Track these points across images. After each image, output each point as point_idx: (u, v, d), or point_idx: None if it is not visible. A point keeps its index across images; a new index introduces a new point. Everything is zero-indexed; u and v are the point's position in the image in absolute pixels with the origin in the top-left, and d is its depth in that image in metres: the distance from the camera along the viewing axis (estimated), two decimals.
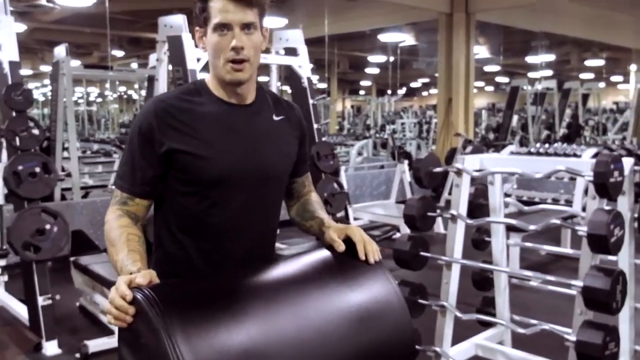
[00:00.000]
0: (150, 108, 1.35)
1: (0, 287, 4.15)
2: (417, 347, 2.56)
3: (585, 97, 11.66)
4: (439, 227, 6.08)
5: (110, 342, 3.29)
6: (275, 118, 1.45)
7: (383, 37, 10.82)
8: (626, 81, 15.55)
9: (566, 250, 4.45)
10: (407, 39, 11.28)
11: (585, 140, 11.11)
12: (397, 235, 5.92)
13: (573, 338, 2.22)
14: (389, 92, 14.32)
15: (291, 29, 4.96)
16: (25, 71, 3.57)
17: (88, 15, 8.53)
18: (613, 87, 17.53)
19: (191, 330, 1.02)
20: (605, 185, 2.18)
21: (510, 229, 3.38)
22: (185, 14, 3.91)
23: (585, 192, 5.58)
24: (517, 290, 3.51)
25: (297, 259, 1.31)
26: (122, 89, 13.84)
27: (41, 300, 3.31)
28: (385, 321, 1.25)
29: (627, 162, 2.38)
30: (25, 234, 3.23)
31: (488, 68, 13.93)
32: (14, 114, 3.43)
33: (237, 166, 1.35)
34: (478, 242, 3.14)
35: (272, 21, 7.86)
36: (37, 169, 3.33)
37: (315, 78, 4.89)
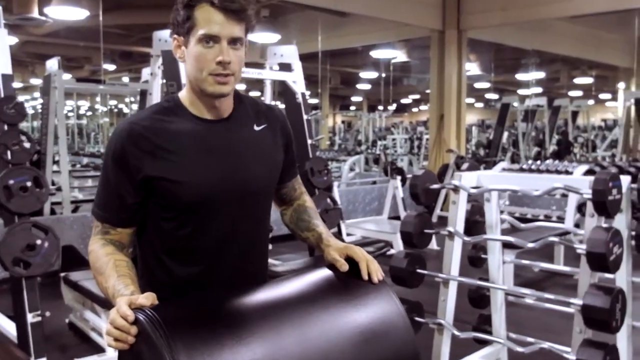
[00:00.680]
0: (124, 132, 1.27)
1: None
2: None
3: (574, 115, 11.78)
4: (432, 243, 6.07)
5: None
6: (257, 128, 1.39)
7: (375, 54, 10.88)
8: (614, 99, 15.74)
9: (562, 267, 4.44)
10: (399, 55, 11.34)
11: (575, 157, 11.20)
12: (392, 251, 5.90)
13: (573, 357, 2.20)
14: (380, 107, 14.38)
15: (285, 45, 4.97)
16: (15, 84, 3.53)
17: (80, 28, 8.51)
18: (601, 105, 17.72)
19: (195, 352, 0.99)
20: (604, 203, 2.18)
21: (504, 245, 3.37)
22: None
23: (578, 208, 5.61)
24: (512, 307, 3.49)
25: (300, 278, 1.29)
26: (113, 102, 13.79)
27: (30, 317, 3.24)
28: (390, 342, 1.23)
29: (625, 180, 2.39)
30: (15, 249, 3.17)
31: (478, 85, 14.04)
32: (5, 127, 3.39)
33: (218, 188, 1.29)
34: (474, 259, 3.14)
35: (265, 37, 7.88)
36: (29, 183, 3.29)
37: (307, 93, 4.87)
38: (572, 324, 2.40)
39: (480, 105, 19.96)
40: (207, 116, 1.33)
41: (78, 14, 6.71)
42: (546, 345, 2.52)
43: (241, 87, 11.62)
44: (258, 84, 5.67)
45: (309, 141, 4.78)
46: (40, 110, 6.55)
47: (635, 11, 8.81)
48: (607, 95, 16.76)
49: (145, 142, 1.26)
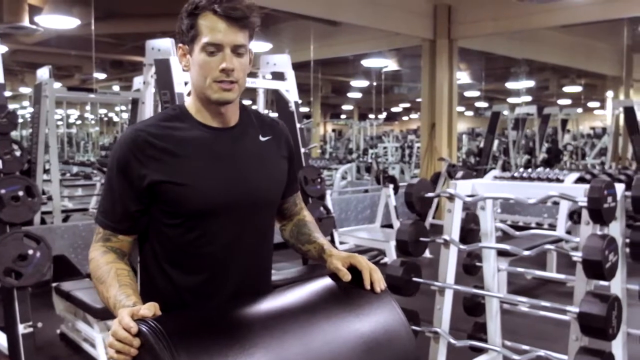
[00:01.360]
0: (128, 139, 1.27)
1: None
2: None
3: (564, 122, 11.88)
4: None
5: None
6: (262, 139, 1.38)
7: (366, 63, 10.92)
8: (602, 107, 15.91)
9: (556, 275, 4.46)
10: (390, 64, 11.40)
11: (565, 165, 11.28)
12: (385, 259, 5.89)
13: None
14: (372, 116, 14.42)
15: (278, 54, 4.98)
16: (5, 93, 3.52)
17: (71, 37, 8.48)
18: (590, 113, 17.90)
19: None
20: (599, 211, 2.19)
21: (498, 253, 3.38)
22: (170, 37, 3.89)
23: (570, 216, 5.64)
24: (506, 315, 3.50)
25: (303, 287, 1.28)
26: (103, 111, 13.73)
27: (21, 328, 3.20)
28: (393, 351, 1.22)
29: (619, 188, 2.40)
30: (6, 259, 3.13)
31: (468, 93, 14.14)
32: None
33: (224, 195, 1.29)
34: (469, 267, 3.14)
35: (257, 46, 7.89)
36: (21, 193, 3.26)
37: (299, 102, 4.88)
38: (567, 331, 2.40)
39: (470, 113, 20.09)
40: (213, 124, 1.33)
41: (69, 23, 6.69)
42: (542, 352, 2.52)
43: None
44: (251, 92, 5.66)
45: (302, 150, 4.79)
46: (29, 119, 6.50)
47: (624, 21, 8.93)
48: (596, 104, 16.95)
49: (151, 148, 1.26)
